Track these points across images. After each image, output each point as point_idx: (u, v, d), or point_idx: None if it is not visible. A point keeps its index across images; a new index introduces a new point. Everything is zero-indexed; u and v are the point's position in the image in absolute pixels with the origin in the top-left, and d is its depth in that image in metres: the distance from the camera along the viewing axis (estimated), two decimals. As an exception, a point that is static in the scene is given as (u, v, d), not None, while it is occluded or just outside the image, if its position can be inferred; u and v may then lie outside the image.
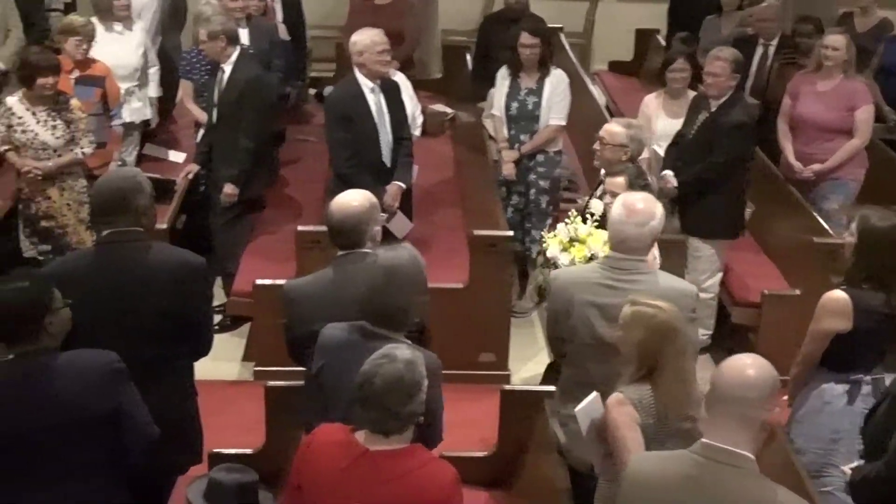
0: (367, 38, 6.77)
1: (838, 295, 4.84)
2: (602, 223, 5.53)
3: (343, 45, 8.34)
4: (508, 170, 7.60)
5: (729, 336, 7.26)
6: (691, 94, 7.43)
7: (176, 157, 8.41)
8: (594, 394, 4.24)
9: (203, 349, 4.61)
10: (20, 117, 6.75)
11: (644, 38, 11.26)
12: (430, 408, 3.75)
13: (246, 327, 7.25)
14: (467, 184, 8.39)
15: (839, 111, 7.45)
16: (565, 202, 7.58)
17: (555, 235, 5.66)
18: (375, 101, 6.80)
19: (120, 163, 7.65)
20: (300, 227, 6.72)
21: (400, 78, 7.43)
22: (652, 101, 7.61)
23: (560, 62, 8.10)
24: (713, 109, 6.91)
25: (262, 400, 5.22)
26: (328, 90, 8.34)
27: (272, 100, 7.52)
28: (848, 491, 4.33)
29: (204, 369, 4.83)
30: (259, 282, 6.64)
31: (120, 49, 7.89)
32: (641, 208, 4.56)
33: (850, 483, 4.27)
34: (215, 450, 5.02)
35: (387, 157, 6.84)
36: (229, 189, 7.12)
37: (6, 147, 6.82)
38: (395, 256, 4.11)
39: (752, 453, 3.29)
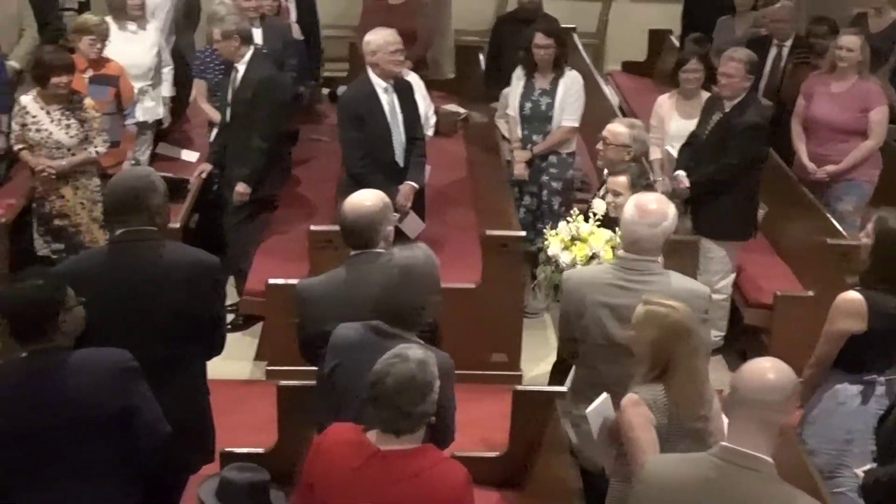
0: (380, 38, 6.77)
1: (853, 296, 4.84)
2: (604, 222, 5.55)
3: (356, 44, 8.37)
4: (520, 170, 7.61)
5: (741, 337, 7.25)
6: (704, 94, 7.42)
7: (189, 156, 8.43)
8: (604, 395, 4.24)
9: (216, 348, 4.62)
10: (34, 116, 6.78)
11: (657, 38, 11.23)
12: (443, 408, 3.76)
13: (258, 326, 7.26)
14: (480, 184, 8.38)
15: (853, 112, 7.43)
16: (578, 203, 7.57)
17: (556, 233, 5.66)
18: (388, 100, 6.80)
19: (133, 162, 7.67)
20: (313, 227, 6.73)
21: (413, 78, 7.43)
22: (665, 102, 7.61)
23: (573, 62, 8.08)
24: (727, 110, 6.90)
25: (274, 399, 5.22)
26: (341, 90, 8.36)
27: (285, 99, 7.53)
28: (861, 494, 4.32)
29: (216, 368, 4.83)
30: (272, 281, 6.65)
31: (134, 48, 7.91)
32: (654, 209, 4.56)
33: (862, 486, 4.26)
34: (227, 449, 5.02)
35: (399, 156, 6.84)
36: (241, 188, 7.13)
37: (20, 146, 6.85)
38: (411, 256, 4.11)
39: (770, 457, 3.28)
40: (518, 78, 7.69)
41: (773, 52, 8.57)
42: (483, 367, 6.55)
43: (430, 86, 8.27)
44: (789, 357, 3.48)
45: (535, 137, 7.63)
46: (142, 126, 8.00)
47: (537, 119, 7.60)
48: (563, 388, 5.06)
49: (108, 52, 7.54)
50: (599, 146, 6.12)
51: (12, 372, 3.93)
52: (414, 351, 3.56)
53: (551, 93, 7.55)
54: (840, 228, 6.98)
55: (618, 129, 6.08)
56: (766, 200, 7.30)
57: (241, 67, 7.19)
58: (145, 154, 8.14)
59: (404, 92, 6.92)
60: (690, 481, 3.33)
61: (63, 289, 3.97)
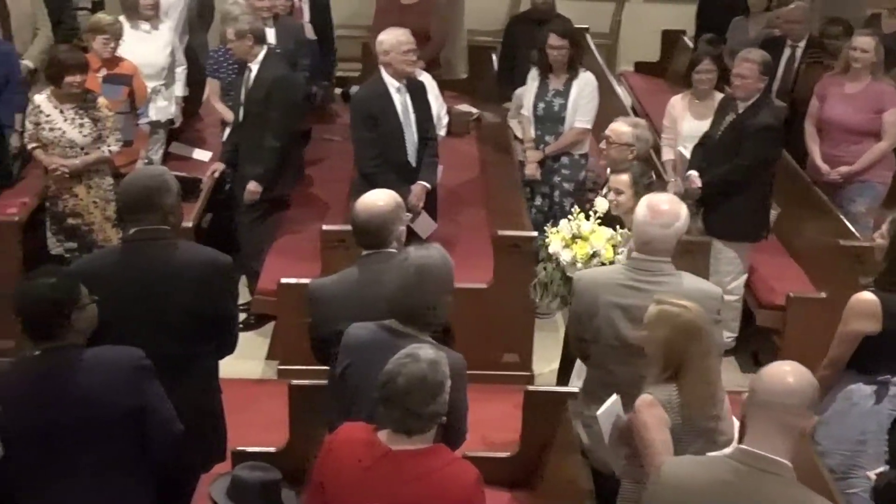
0: (393, 38, 6.77)
1: (867, 297, 4.82)
2: (605, 220, 5.54)
3: (369, 44, 8.37)
4: (531, 170, 7.62)
5: (753, 339, 7.23)
6: (717, 95, 7.40)
7: (202, 155, 8.43)
8: (614, 396, 4.24)
9: (228, 347, 4.63)
10: (48, 115, 6.80)
11: (670, 38, 11.21)
12: (455, 408, 3.76)
13: (270, 326, 7.27)
14: (492, 184, 8.38)
15: (867, 113, 7.41)
16: (590, 204, 7.56)
17: (557, 231, 5.65)
18: (401, 100, 6.80)
19: (146, 161, 7.69)
20: (325, 227, 6.73)
21: (426, 78, 7.43)
22: (678, 103, 7.59)
23: (586, 63, 8.08)
24: (740, 111, 6.88)
25: (285, 398, 5.22)
26: (354, 90, 8.36)
27: (298, 99, 7.54)
28: (873, 497, 4.31)
29: (228, 367, 4.84)
30: (284, 280, 6.65)
31: (147, 48, 7.92)
32: (666, 209, 4.55)
33: (874, 489, 4.24)
34: (239, 448, 5.02)
35: (412, 156, 6.84)
36: (253, 186, 7.13)
37: (34, 144, 6.87)
38: (427, 255, 4.11)
39: (789, 461, 3.26)
40: (533, 78, 7.71)
41: (786, 52, 8.55)
42: (494, 367, 6.55)
43: (443, 86, 8.28)
44: (802, 359, 3.47)
45: (547, 138, 7.63)
46: (155, 125, 8.02)
47: (550, 120, 7.61)
48: (575, 389, 5.05)
49: (122, 51, 7.56)
50: (602, 145, 6.14)
51: (25, 370, 3.94)
52: (425, 351, 3.56)
53: (565, 94, 7.56)
54: (853, 230, 6.97)
55: (621, 128, 6.09)
56: (779, 201, 7.28)
57: (255, 67, 7.20)
58: (158, 153, 8.16)
59: (417, 92, 6.92)
60: (709, 483, 3.30)
61: (76, 287, 3.98)
